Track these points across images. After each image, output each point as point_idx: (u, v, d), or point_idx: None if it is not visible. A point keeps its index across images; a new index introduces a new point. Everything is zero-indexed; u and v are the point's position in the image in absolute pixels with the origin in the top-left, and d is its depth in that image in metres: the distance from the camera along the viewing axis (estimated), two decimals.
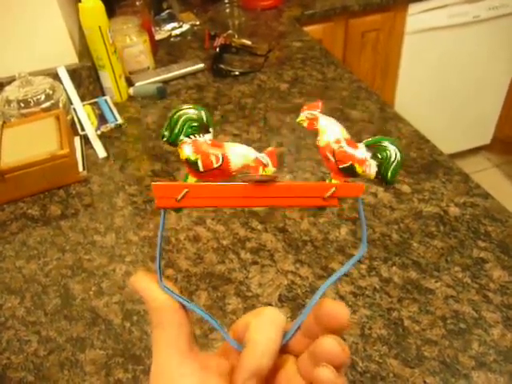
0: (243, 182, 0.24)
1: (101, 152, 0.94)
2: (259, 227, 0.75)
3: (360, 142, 0.24)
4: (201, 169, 0.24)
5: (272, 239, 0.73)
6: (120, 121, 1.02)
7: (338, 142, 0.24)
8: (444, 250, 0.69)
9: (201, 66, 1.20)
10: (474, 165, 2.23)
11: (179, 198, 0.24)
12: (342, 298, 0.63)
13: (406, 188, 0.80)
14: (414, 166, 0.84)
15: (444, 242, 0.70)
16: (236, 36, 1.31)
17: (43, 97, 0.95)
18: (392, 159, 0.23)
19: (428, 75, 1.86)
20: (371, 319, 0.60)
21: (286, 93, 1.10)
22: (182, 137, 0.24)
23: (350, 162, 0.24)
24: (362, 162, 0.24)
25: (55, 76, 1.04)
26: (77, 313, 0.65)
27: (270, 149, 0.25)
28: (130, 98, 1.12)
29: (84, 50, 1.12)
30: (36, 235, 0.78)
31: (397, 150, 0.24)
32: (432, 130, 1.26)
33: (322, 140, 0.24)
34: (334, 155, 0.24)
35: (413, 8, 1.64)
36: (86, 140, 0.98)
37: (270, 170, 0.25)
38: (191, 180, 0.24)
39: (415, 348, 0.57)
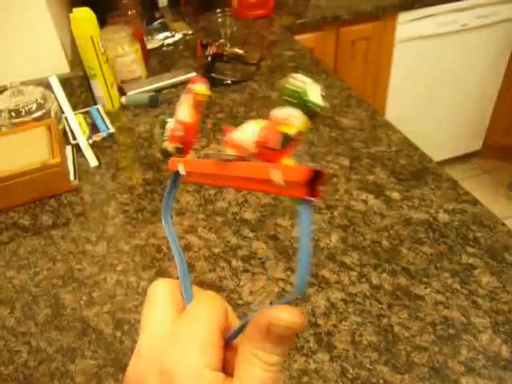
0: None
1: (92, 161, 0.94)
2: (250, 235, 0.75)
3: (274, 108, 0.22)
4: (180, 145, 0.27)
5: (263, 247, 0.73)
6: (112, 130, 1.02)
7: (260, 134, 0.21)
8: (433, 257, 0.69)
9: (193, 74, 1.21)
10: (464, 171, 2.26)
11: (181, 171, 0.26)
12: (332, 304, 0.63)
13: (395, 195, 0.81)
14: (404, 173, 0.85)
15: (433, 248, 0.71)
16: (228, 45, 1.32)
17: (35, 106, 0.95)
18: (301, 87, 0.20)
19: (418, 83, 1.89)
20: (361, 326, 0.61)
21: (278, 101, 1.10)
22: (163, 145, 0.27)
23: (280, 133, 0.20)
24: (285, 120, 0.20)
25: (47, 85, 1.04)
26: (67, 323, 0.65)
27: (191, 78, 0.28)
28: (122, 107, 1.13)
29: (76, 60, 1.13)
30: (27, 245, 0.78)
31: (299, 77, 0.20)
32: (422, 137, 1.28)
33: (249, 145, 0.22)
34: (262, 146, 0.21)
35: (402, 17, 1.67)
36: (77, 149, 0.98)
37: (202, 87, 0.27)
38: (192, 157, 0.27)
39: (405, 354, 0.57)
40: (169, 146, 0.27)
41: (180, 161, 0.27)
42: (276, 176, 0.19)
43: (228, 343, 0.24)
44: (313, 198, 0.19)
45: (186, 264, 0.28)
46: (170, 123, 0.27)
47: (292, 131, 0.20)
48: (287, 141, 0.20)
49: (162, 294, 0.26)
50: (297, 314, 0.21)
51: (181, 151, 0.27)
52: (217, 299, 0.25)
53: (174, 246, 0.28)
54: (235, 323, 0.25)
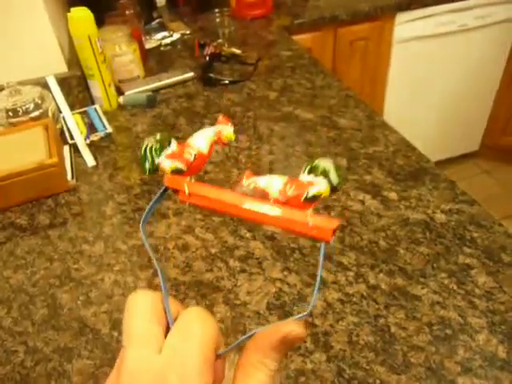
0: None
1: (90, 161, 0.94)
2: (248, 235, 0.75)
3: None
4: (184, 169, 0.28)
5: (260, 247, 0.73)
6: (109, 130, 1.02)
7: (285, 186, 0.26)
8: (430, 257, 0.69)
9: (190, 74, 1.21)
10: (463, 171, 2.26)
11: (187, 191, 0.28)
12: (329, 305, 0.63)
13: (393, 195, 0.81)
14: (401, 174, 0.85)
15: (430, 248, 0.71)
16: (226, 45, 1.32)
17: (32, 106, 0.95)
18: (328, 167, 0.26)
19: (416, 83, 1.89)
20: (358, 326, 0.61)
21: (275, 101, 1.11)
22: (156, 160, 0.28)
23: (306, 191, 0.26)
24: (312, 184, 0.26)
25: (44, 85, 1.04)
26: (64, 323, 0.65)
27: (219, 117, 0.29)
28: (120, 106, 1.12)
29: (73, 59, 1.13)
30: (24, 245, 0.78)
31: (327, 161, 0.26)
32: (420, 137, 1.28)
33: (274, 193, 0.26)
34: (290, 196, 0.26)
35: (400, 17, 1.67)
36: (75, 149, 0.98)
37: (230, 131, 0.28)
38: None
39: (402, 354, 0.57)
40: (166, 162, 0.28)
41: (184, 180, 0.28)
42: (312, 221, 0.25)
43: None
44: (330, 240, 0.26)
45: (163, 274, 0.28)
46: (174, 143, 0.28)
47: (316, 193, 0.25)
48: (312, 199, 0.26)
49: (144, 305, 0.25)
50: (304, 327, 0.25)
51: (179, 173, 0.28)
52: (211, 318, 0.25)
53: (152, 256, 0.29)
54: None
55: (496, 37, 1.86)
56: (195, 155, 0.28)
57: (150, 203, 0.29)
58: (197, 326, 0.24)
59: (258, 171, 0.89)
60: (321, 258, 0.26)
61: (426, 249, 0.71)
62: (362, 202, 0.80)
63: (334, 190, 0.26)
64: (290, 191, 0.26)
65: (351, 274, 0.68)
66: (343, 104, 1.07)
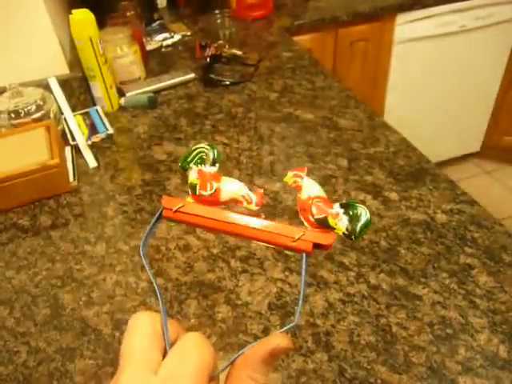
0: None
1: (91, 162, 0.95)
2: None
3: (335, 202, 0.28)
4: (197, 192, 0.28)
5: (261, 247, 0.73)
6: (111, 131, 1.02)
7: (316, 197, 0.27)
8: (431, 257, 0.69)
9: (191, 75, 1.21)
10: (464, 171, 2.26)
11: (174, 209, 0.28)
12: (330, 305, 0.64)
13: (393, 195, 0.81)
14: (402, 174, 0.85)
15: (431, 248, 0.71)
16: (226, 46, 1.33)
17: (34, 107, 0.95)
18: (361, 217, 0.26)
19: (416, 84, 1.89)
20: (360, 326, 0.61)
21: (276, 102, 1.11)
22: (191, 164, 0.29)
23: (324, 215, 0.26)
24: (335, 215, 0.26)
25: (46, 87, 1.04)
26: (66, 323, 0.65)
27: (259, 190, 0.29)
28: (121, 108, 1.13)
29: (75, 61, 1.13)
30: (26, 245, 0.78)
31: (367, 211, 0.27)
32: (421, 137, 1.28)
33: (304, 194, 0.27)
34: (311, 207, 0.27)
35: (401, 18, 1.67)
36: (76, 150, 0.98)
37: (253, 207, 0.28)
38: (190, 201, 0.29)
39: (403, 354, 0.57)
40: (193, 174, 0.29)
41: (180, 201, 0.29)
42: (310, 236, 0.27)
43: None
44: (311, 252, 0.27)
45: (162, 297, 0.29)
46: (214, 168, 0.29)
47: (331, 224, 0.26)
48: (323, 224, 0.26)
49: (144, 327, 0.26)
50: (290, 339, 0.26)
51: (192, 190, 0.28)
52: (208, 345, 0.25)
53: (152, 278, 0.29)
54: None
55: (497, 37, 1.86)
56: (213, 193, 0.28)
57: (149, 226, 0.29)
58: (194, 352, 0.24)
59: (258, 172, 0.89)
60: (303, 270, 0.27)
61: (427, 249, 0.71)
62: (363, 203, 0.80)
63: (347, 236, 0.26)
64: (314, 204, 0.27)
65: (352, 274, 0.68)
66: (344, 105, 1.08)
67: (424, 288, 0.65)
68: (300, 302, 0.27)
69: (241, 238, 0.29)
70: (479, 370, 0.55)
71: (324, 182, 0.84)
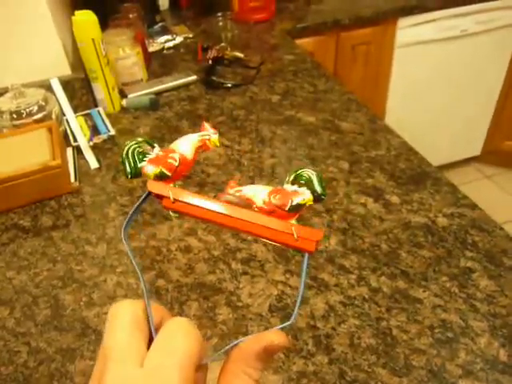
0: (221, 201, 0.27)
1: (93, 163, 0.95)
2: (250, 238, 0.75)
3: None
4: (168, 173, 0.27)
5: (262, 249, 0.73)
6: (112, 132, 1.02)
7: (269, 195, 0.27)
8: (432, 260, 0.69)
9: (193, 77, 1.22)
10: (464, 176, 2.26)
11: (172, 199, 0.27)
12: (331, 307, 0.64)
13: (395, 199, 0.81)
14: (403, 177, 0.86)
15: (432, 251, 0.71)
16: (228, 48, 1.33)
17: (36, 108, 0.95)
18: (312, 177, 0.27)
19: (418, 87, 1.89)
20: (360, 329, 0.61)
21: (278, 105, 1.11)
22: (138, 164, 0.28)
23: (290, 200, 0.26)
24: (296, 193, 0.26)
25: (48, 87, 1.04)
26: (67, 323, 0.65)
27: (204, 123, 0.29)
28: (123, 109, 1.13)
29: (77, 62, 1.13)
30: (27, 246, 0.78)
31: (309, 170, 0.27)
32: (422, 141, 1.28)
33: (258, 202, 0.27)
34: (274, 206, 0.26)
35: (402, 22, 1.68)
36: (78, 151, 0.98)
37: (215, 137, 0.29)
38: (171, 185, 0.28)
39: (403, 357, 0.57)
40: (149, 167, 0.27)
41: (168, 186, 0.27)
42: (297, 232, 0.26)
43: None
44: (313, 251, 0.26)
45: (145, 282, 0.27)
46: (157, 148, 0.28)
47: (301, 202, 0.26)
48: (296, 208, 0.26)
49: (125, 316, 0.24)
50: (286, 336, 0.26)
51: (163, 178, 0.27)
52: (194, 331, 0.24)
53: (135, 263, 0.28)
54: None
55: (498, 42, 1.87)
56: (179, 160, 0.28)
57: (132, 209, 0.28)
58: (179, 341, 0.23)
59: (260, 174, 0.89)
60: (304, 269, 0.27)
61: (428, 252, 0.71)
62: (364, 206, 0.80)
63: (318, 199, 0.27)
64: (274, 200, 0.26)
65: (353, 276, 0.68)
66: (345, 108, 1.08)
67: (425, 291, 0.65)
68: (298, 300, 0.27)
69: (235, 231, 0.28)
70: (479, 374, 0.55)
71: (325, 184, 0.84)
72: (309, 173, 0.27)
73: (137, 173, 0.28)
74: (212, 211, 0.27)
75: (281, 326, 0.26)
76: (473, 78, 1.95)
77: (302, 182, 0.27)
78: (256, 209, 0.27)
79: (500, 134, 2.14)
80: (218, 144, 0.29)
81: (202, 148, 0.29)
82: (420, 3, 1.66)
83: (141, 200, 0.28)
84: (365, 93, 1.77)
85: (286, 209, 0.26)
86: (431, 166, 0.88)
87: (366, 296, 0.65)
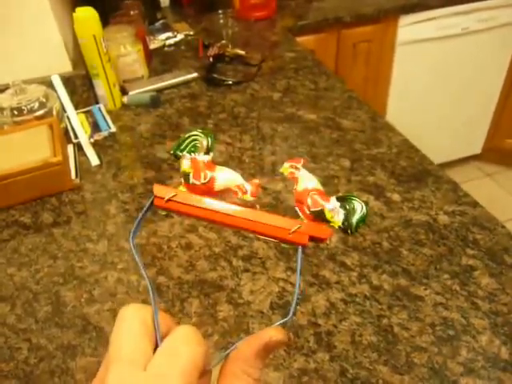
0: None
1: (94, 160, 0.95)
2: (251, 235, 0.75)
3: (332, 195, 0.27)
4: (191, 181, 0.27)
5: (264, 247, 0.73)
6: (113, 129, 1.02)
7: (313, 190, 0.27)
8: (433, 258, 0.69)
9: (194, 75, 1.21)
10: (465, 174, 2.26)
11: (166, 198, 0.27)
12: (332, 305, 0.64)
13: (396, 196, 0.81)
14: (404, 175, 0.85)
15: (433, 249, 0.71)
16: (229, 46, 1.33)
17: (37, 105, 0.95)
18: (358, 211, 0.26)
19: (419, 85, 1.89)
20: (361, 326, 0.61)
21: (279, 102, 1.11)
22: (184, 152, 0.28)
23: (321, 207, 0.26)
24: (331, 209, 0.26)
25: (49, 84, 1.04)
26: (68, 320, 0.65)
27: (254, 180, 0.28)
28: (124, 106, 1.13)
29: (78, 59, 1.13)
30: (28, 242, 0.78)
31: (363, 205, 0.27)
32: (423, 139, 1.28)
33: (300, 186, 0.27)
34: (307, 199, 0.27)
35: (404, 20, 1.67)
36: (79, 148, 0.98)
37: (248, 197, 0.28)
38: (182, 189, 0.28)
39: (405, 355, 0.57)
40: (186, 162, 0.27)
41: (172, 190, 0.27)
42: (306, 228, 0.26)
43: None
44: (307, 244, 0.27)
45: (153, 289, 0.27)
46: (207, 157, 0.28)
47: (327, 216, 0.26)
48: (319, 217, 0.26)
49: (134, 320, 0.25)
50: (285, 332, 0.26)
51: (185, 180, 0.27)
52: (199, 339, 0.24)
53: (144, 271, 0.28)
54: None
55: (499, 40, 1.86)
56: (207, 183, 0.27)
57: (140, 215, 0.28)
58: (184, 348, 0.24)
59: (261, 171, 0.89)
60: (298, 262, 0.27)
61: (429, 250, 0.71)
62: (366, 204, 0.80)
63: (344, 230, 0.26)
64: (310, 197, 0.26)
65: (354, 274, 0.68)
66: (346, 105, 1.08)
67: (426, 289, 0.65)
68: (295, 295, 0.27)
69: (235, 229, 0.28)
70: (481, 372, 0.55)
71: (326, 182, 0.84)
72: (358, 204, 0.27)
73: (176, 155, 0.28)
74: (207, 209, 0.27)
75: (280, 321, 0.26)
76: (474, 76, 1.95)
77: (347, 206, 0.26)
78: (294, 191, 0.27)
79: (501, 132, 2.14)
80: (248, 200, 0.28)
81: (231, 190, 0.28)
82: (421, 1, 1.66)
83: (147, 205, 0.28)
84: (365, 90, 1.77)
85: (310, 210, 0.26)
86: (432, 163, 0.88)
87: (368, 293, 0.65)
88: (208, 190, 0.27)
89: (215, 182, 0.27)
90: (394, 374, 0.56)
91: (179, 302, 0.66)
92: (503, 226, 0.74)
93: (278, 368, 0.57)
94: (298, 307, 0.64)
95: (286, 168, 0.28)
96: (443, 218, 0.76)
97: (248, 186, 0.27)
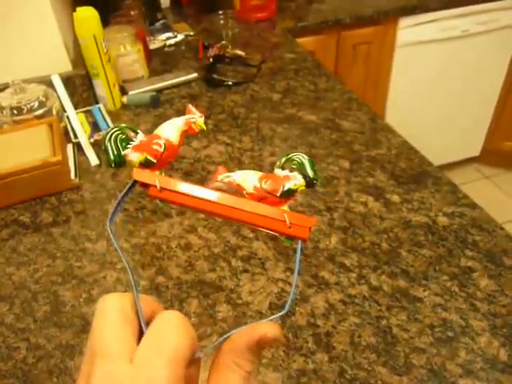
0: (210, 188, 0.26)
1: (93, 159, 0.95)
2: (250, 235, 0.75)
3: (272, 171, 0.26)
4: (154, 160, 0.26)
5: (263, 247, 0.73)
6: None
7: (260, 180, 0.26)
8: (432, 259, 0.69)
9: (194, 75, 1.21)
10: (464, 176, 2.26)
11: (159, 187, 0.26)
12: (331, 305, 0.64)
13: (395, 198, 0.81)
14: (404, 176, 0.85)
15: (432, 251, 0.71)
16: (229, 47, 1.33)
17: (36, 104, 0.95)
18: (304, 161, 0.26)
19: (418, 87, 1.89)
20: (360, 327, 0.61)
21: (279, 103, 1.11)
22: (122, 152, 0.26)
23: (282, 185, 0.25)
24: (288, 178, 0.25)
25: (49, 84, 1.04)
26: (66, 320, 0.65)
27: (189, 106, 0.27)
28: (124, 106, 1.13)
29: (78, 59, 1.13)
30: (27, 242, 0.78)
31: (300, 154, 0.26)
32: (422, 141, 1.28)
33: (249, 189, 0.26)
34: (265, 191, 0.25)
35: (403, 22, 1.67)
36: (78, 147, 0.98)
37: (201, 120, 0.27)
38: (157, 173, 0.27)
39: (403, 356, 0.57)
40: (133, 154, 0.26)
41: (154, 175, 0.26)
42: (290, 218, 0.25)
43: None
44: (306, 238, 0.26)
45: (134, 274, 0.26)
46: (141, 134, 0.27)
47: (293, 187, 0.25)
48: (288, 193, 0.25)
49: (114, 310, 0.24)
50: (280, 329, 0.25)
51: (148, 165, 0.26)
52: (186, 325, 0.24)
53: (121, 254, 0.27)
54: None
55: (498, 42, 1.87)
56: (165, 146, 0.26)
57: (118, 199, 0.27)
58: (169, 336, 0.23)
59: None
60: (297, 257, 0.26)
61: (428, 251, 0.71)
62: (365, 204, 0.80)
63: (310, 184, 0.26)
64: (265, 185, 0.25)
65: (353, 275, 0.68)
66: (346, 107, 1.08)
67: (425, 290, 0.65)
68: (293, 289, 0.27)
69: (227, 220, 0.27)
70: (480, 373, 0.55)
71: (326, 183, 0.85)
72: (300, 157, 0.26)
73: (120, 161, 0.26)
74: (201, 199, 0.26)
75: (274, 316, 0.26)
76: (473, 79, 1.95)
77: (294, 166, 0.26)
78: (247, 196, 0.26)
79: (500, 134, 2.15)
80: (204, 127, 0.27)
81: (187, 132, 0.27)
82: (421, 3, 1.66)
83: (126, 189, 0.27)
84: (365, 92, 1.78)
85: (278, 194, 0.25)
86: (431, 165, 0.88)
87: (367, 294, 0.65)
88: (172, 151, 0.26)
89: (169, 139, 0.26)
90: (393, 375, 0.56)
91: (178, 302, 0.66)
92: (502, 228, 0.74)
93: (277, 368, 0.57)
94: (298, 308, 0.64)
95: (220, 183, 0.26)
96: (442, 220, 0.76)
97: (190, 116, 0.27)
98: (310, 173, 0.25)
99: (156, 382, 0.21)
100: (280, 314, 0.26)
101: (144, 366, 0.21)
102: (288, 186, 0.25)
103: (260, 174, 0.26)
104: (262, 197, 0.25)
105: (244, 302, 0.65)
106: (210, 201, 0.26)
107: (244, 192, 0.26)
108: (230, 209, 0.25)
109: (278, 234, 0.26)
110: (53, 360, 0.60)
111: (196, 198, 0.26)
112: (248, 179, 0.26)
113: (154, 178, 0.26)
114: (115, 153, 0.26)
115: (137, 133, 0.27)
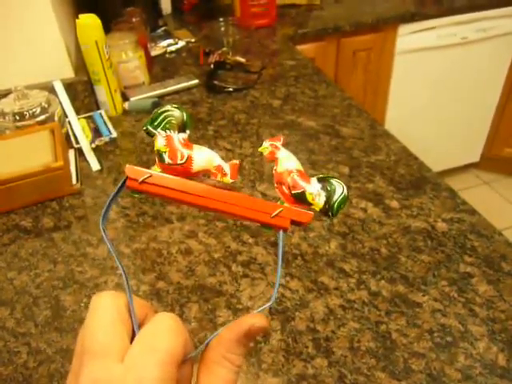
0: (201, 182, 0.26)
1: (95, 165, 0.95)
2: (250, 241, 0.76)
3: (312, 176, 0.27)
4: (166, 161, 0.25)
5: (263, 252, 0.74)
6: (114, 134, 1.03)
7: (294, 170, 0.26)
8: (431, 265, 0.70)
9: (195, 81, 1.22)
10: (463, 182, 2.27)
11: (140, 180, 0.25)
12: (331, 311, 0.64)
13: (394, 203, 0.81)
14: (403, 182, 0.86)
15: (431, 256, 0.71)
16: (230, 53, 1.34)
17: (38, 110, 0.96)
18: (339, 193, 0.26)
19: (417, 94, 1.90)
20: (360, 332, 0.61)
21: (279, 109, 1.12)
22: (159, 129, 0.26)
23: (302, 189, 0.25)
24: (313, 191, 0.26)
25: (51, 89, 1.05)
26: (67, 324, 0.65)
27: (234, 161, 0.26)
28: (125, 112, 1.14)
29: (80, 65, 1.14)
30: (28, 247, 0.78)
31: (344, 186, 0.26)
32: (421, 147, 1.29)
33: (280, 167, 0.26)
34: (288, 181, 0.26)
35: (403, 29, 1.69)
36: (80, 153, 0.99)
37: (228, 180, 0.26)
38: (156, 170, 0.26)
39: (403, 361, 0.58)
40: (160, 140, 0.26)
41: (145, 172, 0.26)
42: (287, 213, 0.26)
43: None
44: (288, 228, 0.26)
45: (126, 275, 0.26)
46: (185, 135, 0.26)
47: (308, 198, 0.25)
48: (301, 199, 0.26)
49: (107, 309, 0.24)
50: (267, 320, 0.26)
51: (160, 160, 0.26)
52: (179, 327, 0.24)
53: (114, 253, 0.27)
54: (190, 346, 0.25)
55: (497, 49, 1.88)
56: (184, 163, 0.25)
57: (110, 196, 0.26)
58: (162, 337, 0.23)
59: (260, 178, 0.90)
60: (280, 246, 0.26)
61: (427, 257, 0.71)
62: (364, 210, 0.80)
63: (324, 212, 0.26)
64: (294, 176, 0.26)
65: (353, 280, 0.68)
66: (346, 113, 1.09)
67: (424, 295, 0.65)
68: (277, 279, 0.26)
69: (213, 212, 0.26)
70: (478, 378, 0.55)
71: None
72: (337, 185, 0.26)
73: (150, 132, 0.26)
74: (184, 190, 0.25)
75: (261, 308, 0.26)
76: (472, 85, 1.96)
77: (328, 188, 0.26)
78: (273, 171, 0.26)
79: (499, 140, 2.16)
80: (228, 183, 0.26)
81: (208, 173, 0.26)
82: (420, 10, 1.68)
83: (119, 186, 0.26)
84: (365, 99, 1.79)
85: (292, 192, 0.25)
86: (431, 171, 0.89)
87: (366, 300, 0.65)
88: (185, 172, 0.25)
89: (192, 163, 0.25)
90: (392, 380, 0.56)
91: (178, 307, 0.66)
92: (501, 234, 0.74)
93: (277, 374, 0.57)
94: (297, 313, 0.64)
95: (265, 147, 0.27)
96: (441, 225, 0.77)
97: (227, 168, 0.26)
98: (334, 205, 0.25)
99: (146, 382, 0.21)
100: (267, 305, 0.26)
101: (135, 366, 0.21)
102: (307, 191, 0.25)
103: (300, 166, 0.26)
104: (279, 181, 0.26)
105: (244, 306, 0.66)
106: (192, 194, 0.25)
107: (274, 168, 0.26)
108: (211, 200, 0.25)
109: (259, 225, 0.26)
110: (53, 364, 0.60)
111: (176, 190, 0.25)
112: (290, 161, 0.26)
113: (146, 175, 0.25)
114: (154, 123, 0.26)
115: (185, 131, 0.26)
